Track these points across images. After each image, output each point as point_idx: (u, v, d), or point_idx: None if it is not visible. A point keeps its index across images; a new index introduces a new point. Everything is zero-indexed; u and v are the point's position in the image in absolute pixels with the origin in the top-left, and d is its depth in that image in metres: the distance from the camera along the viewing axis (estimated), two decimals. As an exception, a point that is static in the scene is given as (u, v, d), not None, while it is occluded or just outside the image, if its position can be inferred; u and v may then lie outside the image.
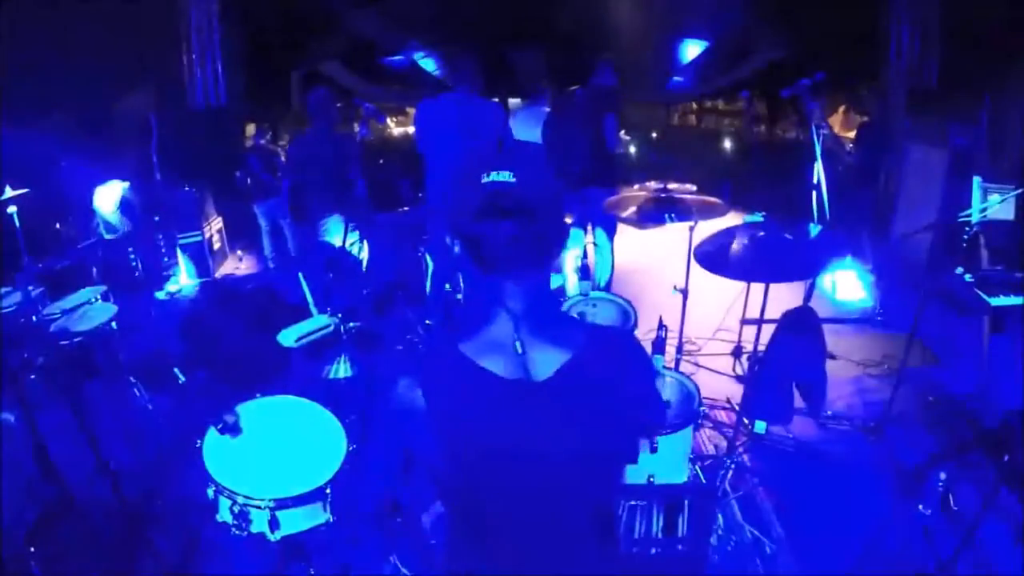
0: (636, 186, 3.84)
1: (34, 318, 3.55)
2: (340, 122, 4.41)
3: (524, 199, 1.00)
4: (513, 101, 9.35)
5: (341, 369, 2.70)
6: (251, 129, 6.47)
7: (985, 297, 2.85)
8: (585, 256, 4.90)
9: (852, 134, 5.56)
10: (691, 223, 3.35)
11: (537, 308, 1.08)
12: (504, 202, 1.00)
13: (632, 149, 9.44)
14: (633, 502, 2.18)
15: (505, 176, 1.00)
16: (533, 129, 5.05)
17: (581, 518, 1.19)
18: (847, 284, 5.24)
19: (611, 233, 4.63)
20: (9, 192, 4.03)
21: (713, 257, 2.89)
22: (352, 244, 4.27)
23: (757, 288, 3.45)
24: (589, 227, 4.63)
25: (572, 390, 1.05)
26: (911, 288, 4.56)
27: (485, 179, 1.01)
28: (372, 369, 3.05)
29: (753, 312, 3.40)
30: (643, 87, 9.84)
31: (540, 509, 1.15)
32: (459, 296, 4.32)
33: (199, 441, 2.15)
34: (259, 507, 2.02)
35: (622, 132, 4.73)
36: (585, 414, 1.07)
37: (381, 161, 8.74)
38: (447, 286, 4.42)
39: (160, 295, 5.89)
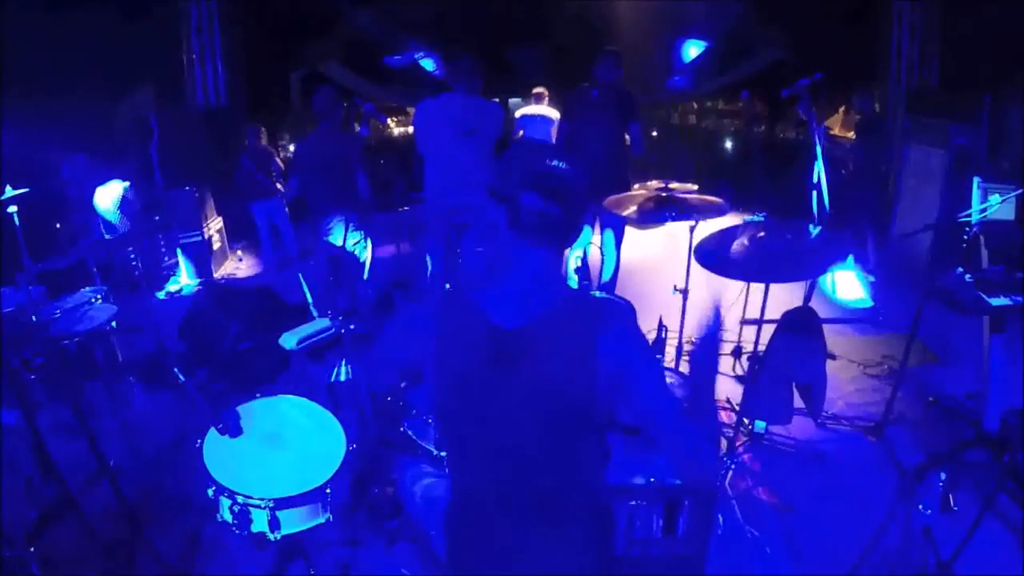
0: (636, 186, 3.84)
1: (34, 318, 3.55)
2: (343, 120, 4.42)
3: (567, 188, 1.21)
4: (513, 101, 9.35)
5: (343, 373, 2.70)
6: (250, 129, 6.48)
7: (985, 297, 2.85)
8: (585, 256, 4.89)
9: (852, 134, 5.57)
10: (691, 223, 3.35)
11: (539, 274, 1.26)
12: (554, 183, 1.20)
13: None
14: (633, 502, 2.18)
15: (562, 164, 1.23)
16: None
17: (562, 477, 1.27)
18: (847, 284, 5.24)
19: (619, 235, 4.63)
20: (9, 192, 4.03)
21: (713, 257, 2.89)
22: (356, 244, 4.27)
23: (757, 288, 3.45)
24: (597, 227, 4.63)
25: (541, 341, 1.22)
26: (911, 288, 4.57)
27: (548, 161, 1.23)
28: (372, 369, 3.05)
29: (753, 312, 3.41)
30: (643, 87, 9.84)
31: (523, 465, 1.25)
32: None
33: (199, 441, 2.15)
34: (259, 507, 2.02)
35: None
36: (555, 364, 1.22)
37: (381, 161, 8.74)
38: (447, 286, 4.42)
39: (160, 295, 5.89)
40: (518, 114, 6.79)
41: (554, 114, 6.54)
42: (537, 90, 6.73)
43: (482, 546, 1.29)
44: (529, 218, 1.20)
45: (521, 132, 6.70)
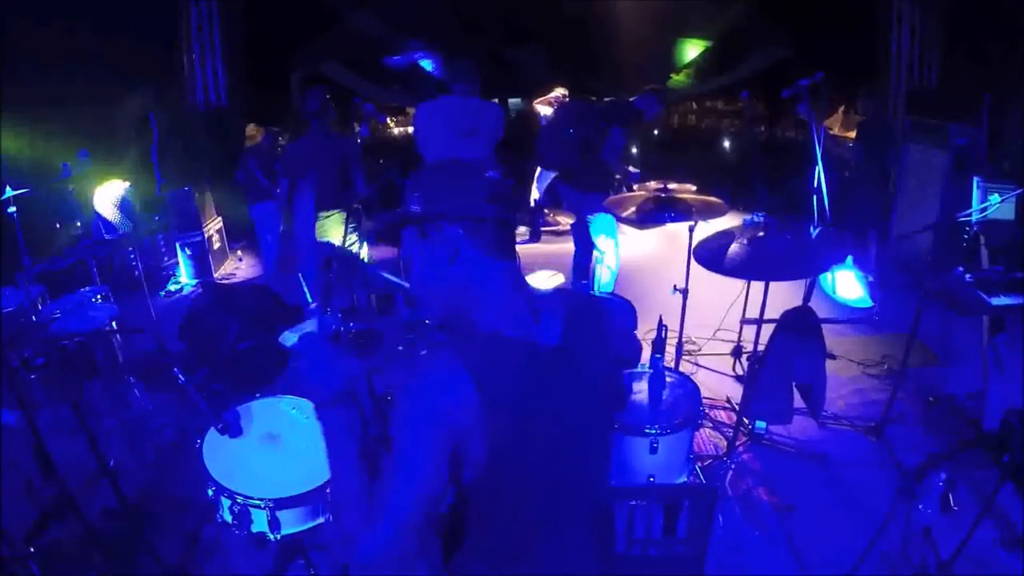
0: (636, 186, 3.85)
1: (34, 318, 3.55)
2: (335, 120, 4.41)
3: (509, 193, 1.21)
4: (513, 101, 9.36)
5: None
6: (252, 129, 6.45)
7: (985, 297, 2.84)
8: (584, 256, 4.90)
9: (853, 134, 5.57)
10: (691, 223, 3.36)
11: (520, 279, 1.26)
12: (502, 191, 1.19)
13: (633, 149, 9.44)
14: (633, 502, 2.18)
15: (498, 174, 1.21)
16: None
17: (579, 480, 1.28)
18: (847, 284, 5.24)
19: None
20: (9, 192, 4.04)
21: (713, 256, 2.89)
22: (352, 243, 4.26)
23: (757, 288, 3.45)
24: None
25: (563, 343, 1.21)
26: (911, 288, 4.57)
27: (490, 174, 1.21)
28: (373, 370, 3.04)
29: (753, 312, 3.41)
30: (643, 87, 9.83)
31: (544, 472, 1.22)
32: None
33: (199, 441, 2.15)
34: (259, 507, 2.02)
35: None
36: (575, 364, 1.22)
37: (381, 161, 8.75)
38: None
39: (160, 295, 5.89)
40: (541, 110, 6.67)
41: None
42: (559, 91, 6.64)
43: (485, 550, 1.28)
44: (493, 232, 1.17)
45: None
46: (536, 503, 1.23)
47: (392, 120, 10.15)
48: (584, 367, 1.24)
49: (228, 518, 2.08)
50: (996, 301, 2.82)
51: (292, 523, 2.09)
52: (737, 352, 4.18)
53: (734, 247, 2.89)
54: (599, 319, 1.31)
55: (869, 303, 4.98)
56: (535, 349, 1.18)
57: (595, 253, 4.42)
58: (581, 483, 1.28)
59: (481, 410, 1.10)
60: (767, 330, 3.19)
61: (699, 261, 2.95)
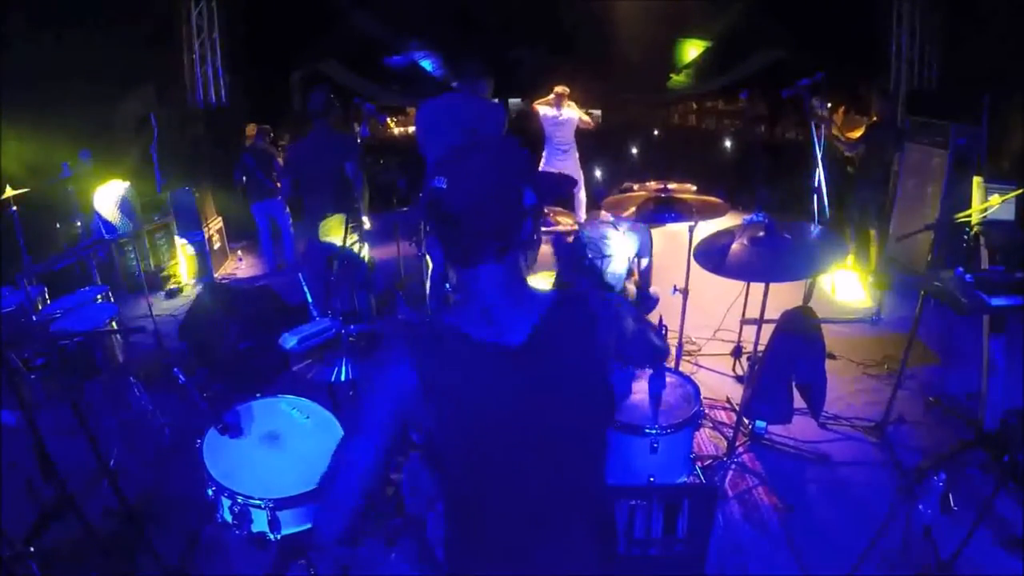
0: (636, 186, 3.84)
1: (34, 318, 3.55)
2: (340, 120, 4.41)
3: (453, 205, 1.10)
4: (513, 101, 9.35)
5: (343, 374, 2.69)
6: (251, 129, 6.47)
7: (985, 297, 2.85)
8: (589, 256, 4.90)
9: (853, 134, 5.57)
10: (691, 223, 3.35)
11: (503, 286, 1.18)
12: (439, 208, 1.11)
13: (633, 149, 9.45)
14: (633, 502, 2.18)
15: (440, 183, 1.11)
16: None
17: (574, 483, 1.25)
18: (847, 284, 5.24)
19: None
20: (9, 192, 4.04)
21: (713, 257, 2.89)
22: (353, 244, 4.26)
23: (757, 288, 3.45)
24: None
25: (547, 349, 1.17)
26: (911, 288, 4.57)
27: (431, 184, 1.12)
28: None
29: (753, 312, 3.41)
30: (643, 87, 9.85)
31: (535, 477, 1.21)
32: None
33: (199, 441, 2.15)
34: (259, 507, 2.02)
35: None
36: (562, 371, 1.19)
37: (381, 161, 8.75)
38: (447, 285, 4.42)
39: (160, 295, 5.89)
40: (541, 110, 6.62)
41: (573, 113, 6.45)
42: (558, 89, 6.56)
43: (484, 550, 1.28)
44: (450, 244, 1.15)
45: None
46: (530, 503, 1.23)
47: (392, 120, 10.15)
48: (573, 366, 1.20)
49: (228, 518, 2.08)
50: (996, 301, 2.83)
51: (292, 523, 2.09)
52: (737, 352, 4.18)
53: (734, 247, 2.90)
54: (592, 318, 1.25)
55: (870, 303, 4.98)
56: (505, 349, 1.16)
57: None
58: (576, 483, 1.26)
59: (424, 395, 1.14)
60: (767, 330, 3.19)
61: (699, 261, 2.95)
